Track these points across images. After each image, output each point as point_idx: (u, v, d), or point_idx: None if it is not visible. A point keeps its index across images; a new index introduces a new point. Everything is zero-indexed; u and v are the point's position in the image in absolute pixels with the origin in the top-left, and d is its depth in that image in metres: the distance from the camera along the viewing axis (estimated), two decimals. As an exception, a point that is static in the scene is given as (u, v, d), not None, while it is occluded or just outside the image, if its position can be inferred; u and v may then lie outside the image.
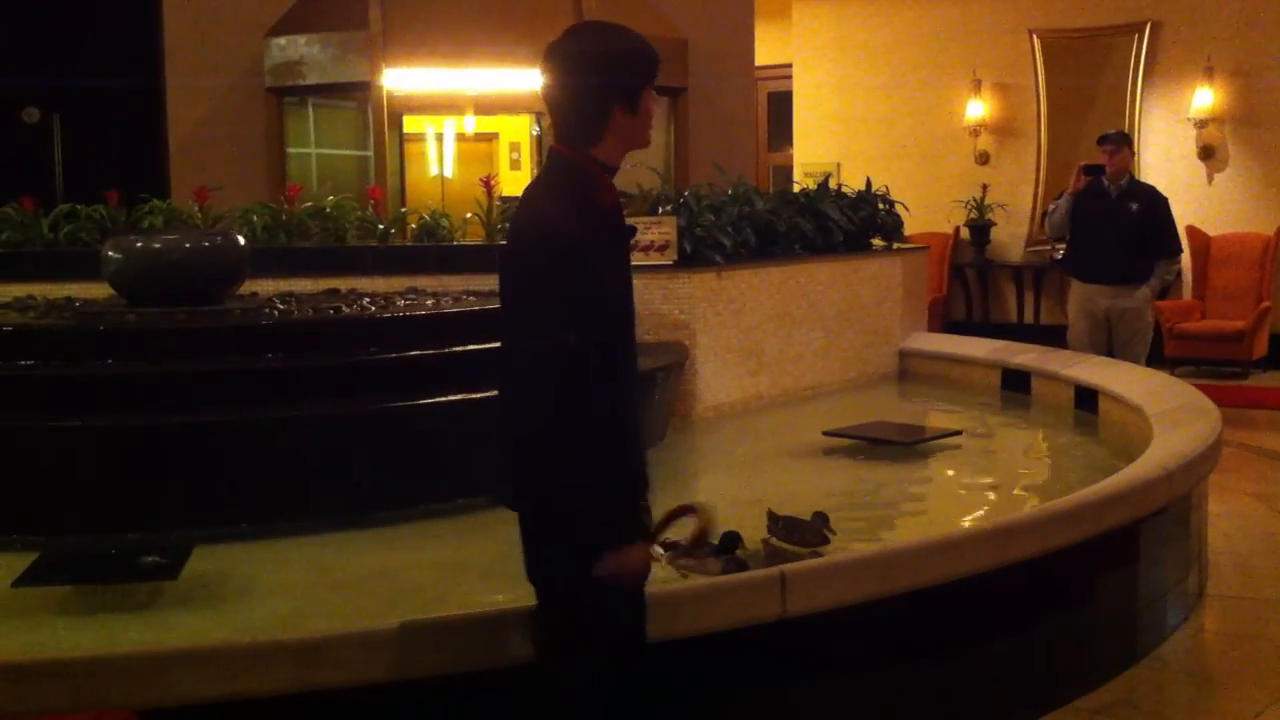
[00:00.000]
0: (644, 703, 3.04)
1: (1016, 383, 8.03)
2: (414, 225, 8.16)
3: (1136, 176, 9.07)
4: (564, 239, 2.80)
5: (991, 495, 5.87)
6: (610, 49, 2.88)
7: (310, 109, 10.52)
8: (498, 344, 6.06)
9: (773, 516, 4.54)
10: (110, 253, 6.25)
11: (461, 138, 11.44)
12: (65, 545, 4.60)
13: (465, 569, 4.64)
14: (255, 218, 7.93)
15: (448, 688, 3.34)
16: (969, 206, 13.17)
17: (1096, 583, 4.63)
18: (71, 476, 4.95)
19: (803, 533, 4.42)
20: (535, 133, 11.39)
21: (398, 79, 9.82)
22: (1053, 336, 9.39)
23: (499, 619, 3.42)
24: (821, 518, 4.50)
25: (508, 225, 3.02)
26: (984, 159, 13.31)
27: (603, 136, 2.87)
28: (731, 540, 4.28)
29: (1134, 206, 8.20)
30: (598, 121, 2.86)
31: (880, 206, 9.12)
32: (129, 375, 5.35)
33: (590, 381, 2.79)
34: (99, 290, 6.63)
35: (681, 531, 3.16)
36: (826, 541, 4.40)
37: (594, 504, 2.80)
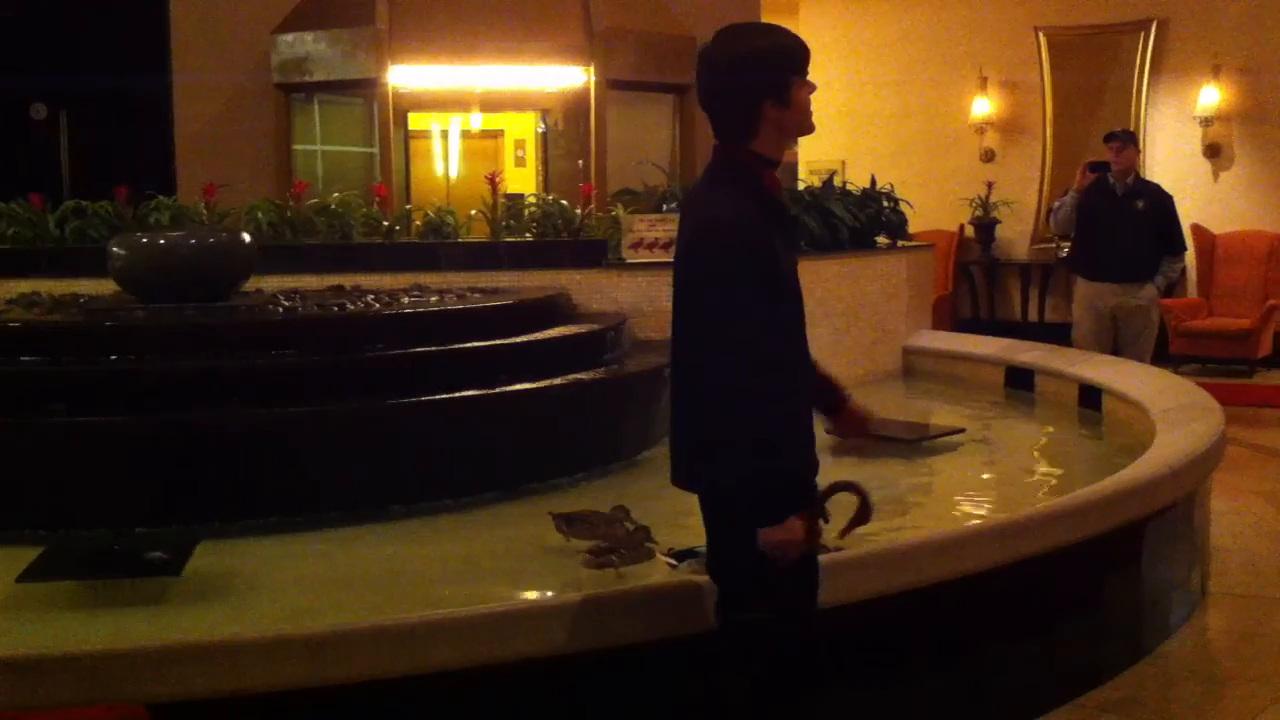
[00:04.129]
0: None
1: (1021, 380, 8.04)
2: (419, 222, 8.16)
3: (1142, 175, 9.07)
4: (738, 221, 2.92)
5: (996, 493, 5.88)
6: (754, 47, 2.97)
7: (317, 106, 10.51)
8: (504, 341, 6.14)
9: None
10: (117, 249, 6.27)
11: (467, 135, 11.43)
12: (71, 541, 4.62)
13: (473, 565, 4.65)
14: (261, 214, 7.92)
15: (458, 682, 3.35)
16: (974, 204, 13.18)
17: (1101, 580, 4.64)
18: (80, 472, 4.95)
19: None
20: (541, 130, 11.38)
21: (404, 76, 9.81)
22: (1058, 334, 9.39)
23: (511, 614, 3.44)
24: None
25: (681, 229, 3.22)
26: (990, 156, 13.30)
27: (758, 131, 2.97)
28: None
29: (1140, 204, 8.20)
30: (750, 117, 2.95)
31: (886, 204, 9.13)
32: (136, 371, 5.37)
33: (768, 355, 2.89)
34: (105, 287, 6.65)
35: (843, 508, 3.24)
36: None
37: (765, 472, 2.87)
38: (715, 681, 3.18)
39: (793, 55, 2.99)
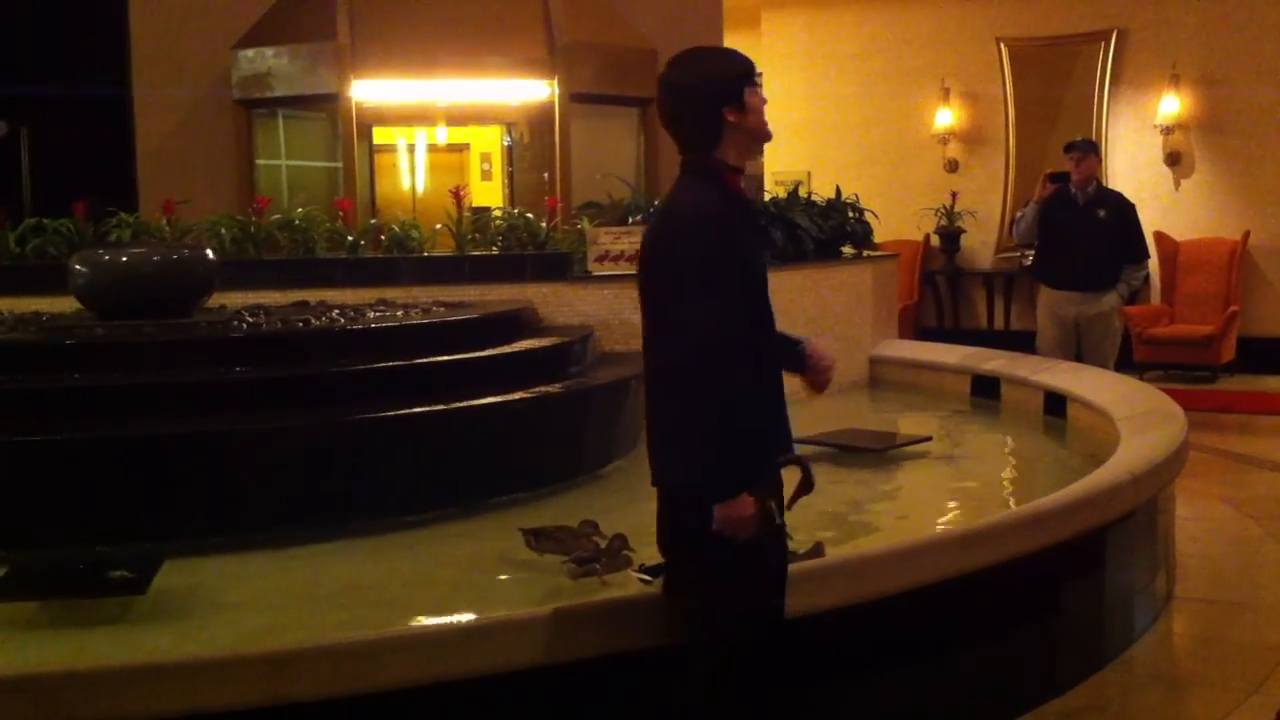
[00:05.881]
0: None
1: (986, 389, 8.07)
2: (384, 237, 8.14)
3: (1104, 184, 9.13)
4: (710, 218, 3.11)
5: (961, 501, 5.90)
6: (710, 62, 3.25)
7: (280, 121, 10.49)
8: (468, 355, 6.13)
9: None
10: (78, 266, 6.23)
11: (433, 149, 11.42)
12: (33, 560, 4.57)
13: (435, 581, 4.64)
14: (223, 230, 7.89)
15: (419, 700, 3.33)
16: (939, 214, 13.24)
17: (1064, 587, 4.65)
18: (40, 490, 4.91)
19: None
20: (506, 143, 11.39)
21: (367, 90, 9.80)
22: (1023, 342, 9.43)
23: (473, 629, 3.44)
24: None
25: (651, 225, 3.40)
26: (953, 167, 13.38)
27: (721, 137, 3.18)
28: None
29: (1102, 213, 8.24)
30: (713, 125, 3.17)
31: (850, 215, 9.16)
32: (97, 389, 5.32)
33: (736, 345, 3.03)
34: (67, 304, 6.60)
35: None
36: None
37: (715, 453, 3.00)
38: (681, 693, 3.20)
39: (743, 67, 3.24)
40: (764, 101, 3.27)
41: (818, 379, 3.45)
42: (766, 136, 3.28)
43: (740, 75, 3.21)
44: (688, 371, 3.01)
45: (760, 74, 3.32)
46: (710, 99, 3.16)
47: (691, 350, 3.01)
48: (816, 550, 4.27)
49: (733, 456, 3.02)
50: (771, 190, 11.54)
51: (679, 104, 3.21)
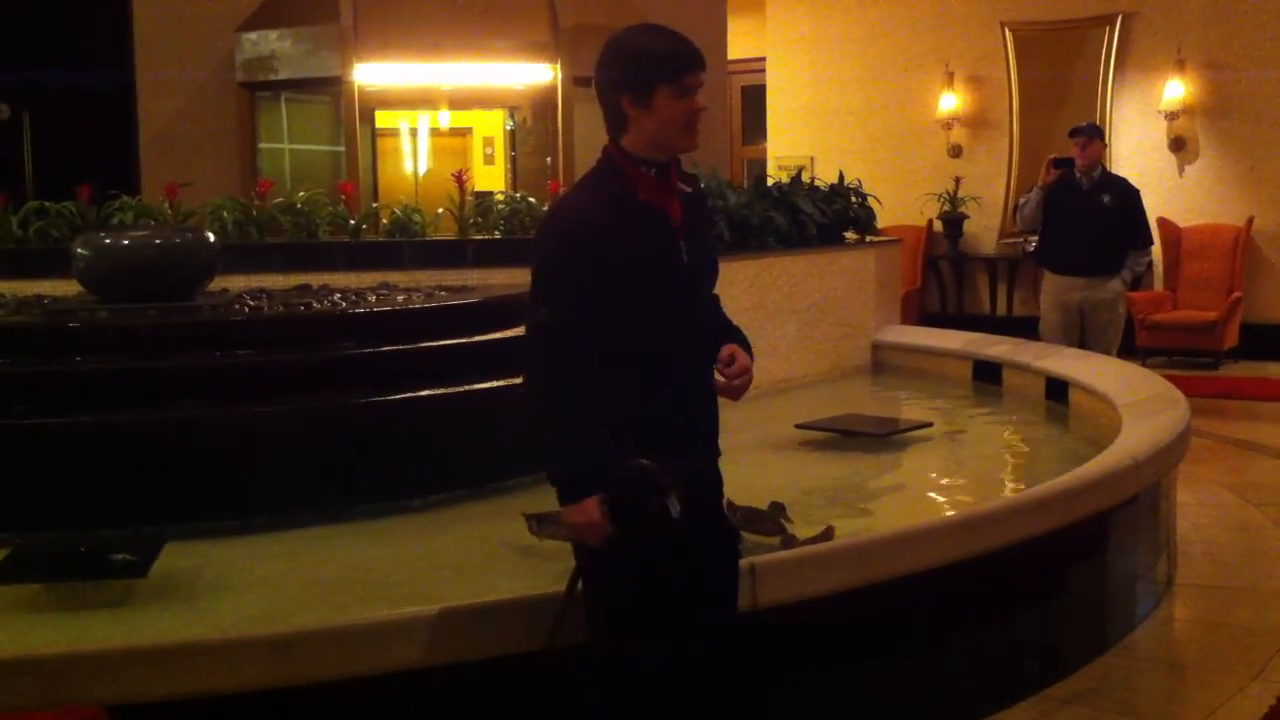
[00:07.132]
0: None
1: (989, 374, 8.07)
2: (386, 220, 8.14)
3: (1109, 169, 9.11)
4: (568, 222, 2.97)
5: (963, 486, 5.89)
6: (628, 44, 2.97)
7: (283, 104, 10.48)
8: (470, 339, 6.13)
9: (731, 507, 4.54)
10: (80, 250, 6.21)
11: (435, 132, 11.41)
12: (36, 543, 4.58)
13: (440, 564, 4.64)
14: (226, 213, 7.89)
15: (419, 681, 3.34)
16: (942, 199, 13.22)
17: (1066, 572, 4.66)
18: (43, 474, 4.91)
19: (761, 523, 4.40)
20: (509, 127, 11.37)
21: (370, 74, 9.79)
22: (1026, 328, 9.43)
23: (476, 612, 3.44)
24: (778, 508, 4.47)
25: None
26: (957, 152, 13.35)
27: (624, 128, 2.96)
28: None
29: (1106, 199, 8.22)
30: (614, 114, 2.97)
31: (854, 200, 9.14)
32: (99, 372, 5.32)
33: (569, 357, 2.92)
34: (69, 288, 6.60)
35: None
36: (784, 531, 4.39)
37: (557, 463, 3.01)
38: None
39: (664, 62, 2.93)
40: (689, 111, 2.95)
41: (726, 385, 3.07)
42: (677, 144, 2.98)
43: (655, 70, 2.91)
44: (526, 373, 3.02)
45: (692, 74, 2.96)
46: (614, 84, 2.94)
47: (527, 352, 3.01)
48: (826, 534, 4.27)
49: (574, 459, 2.96)
50: (774, 175, 11.53)
51: (595, 82, 3.01)
